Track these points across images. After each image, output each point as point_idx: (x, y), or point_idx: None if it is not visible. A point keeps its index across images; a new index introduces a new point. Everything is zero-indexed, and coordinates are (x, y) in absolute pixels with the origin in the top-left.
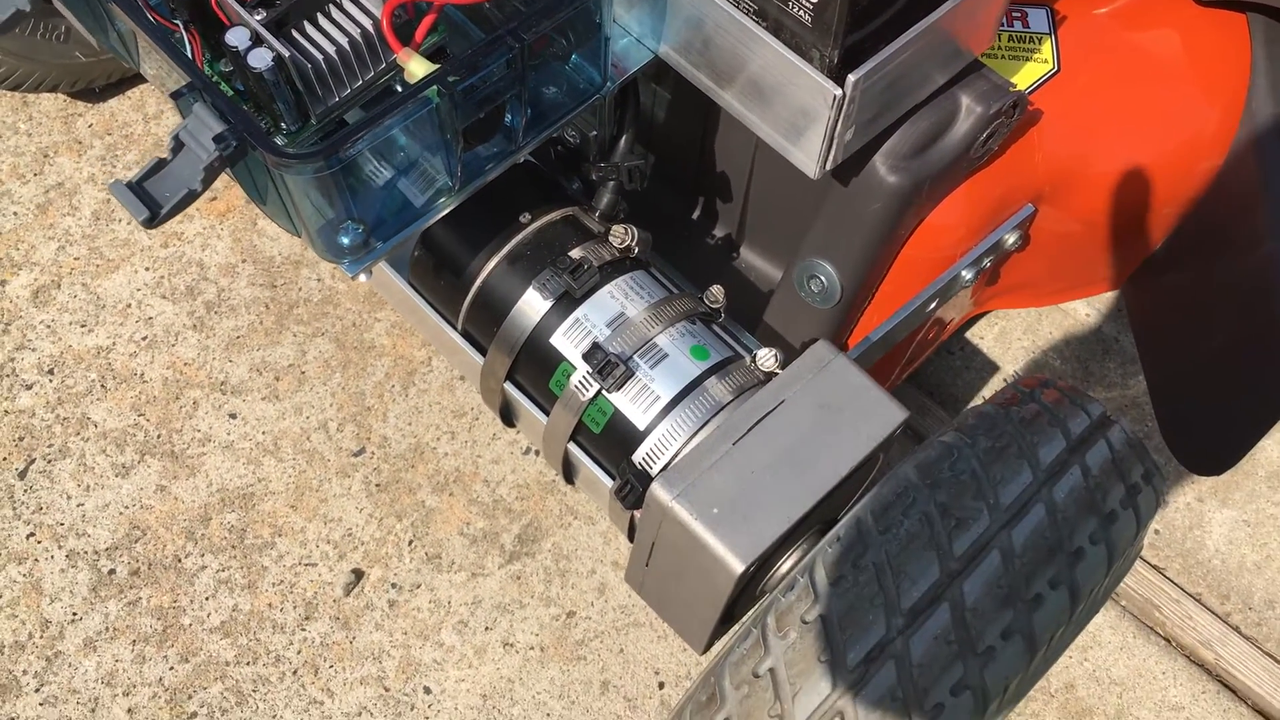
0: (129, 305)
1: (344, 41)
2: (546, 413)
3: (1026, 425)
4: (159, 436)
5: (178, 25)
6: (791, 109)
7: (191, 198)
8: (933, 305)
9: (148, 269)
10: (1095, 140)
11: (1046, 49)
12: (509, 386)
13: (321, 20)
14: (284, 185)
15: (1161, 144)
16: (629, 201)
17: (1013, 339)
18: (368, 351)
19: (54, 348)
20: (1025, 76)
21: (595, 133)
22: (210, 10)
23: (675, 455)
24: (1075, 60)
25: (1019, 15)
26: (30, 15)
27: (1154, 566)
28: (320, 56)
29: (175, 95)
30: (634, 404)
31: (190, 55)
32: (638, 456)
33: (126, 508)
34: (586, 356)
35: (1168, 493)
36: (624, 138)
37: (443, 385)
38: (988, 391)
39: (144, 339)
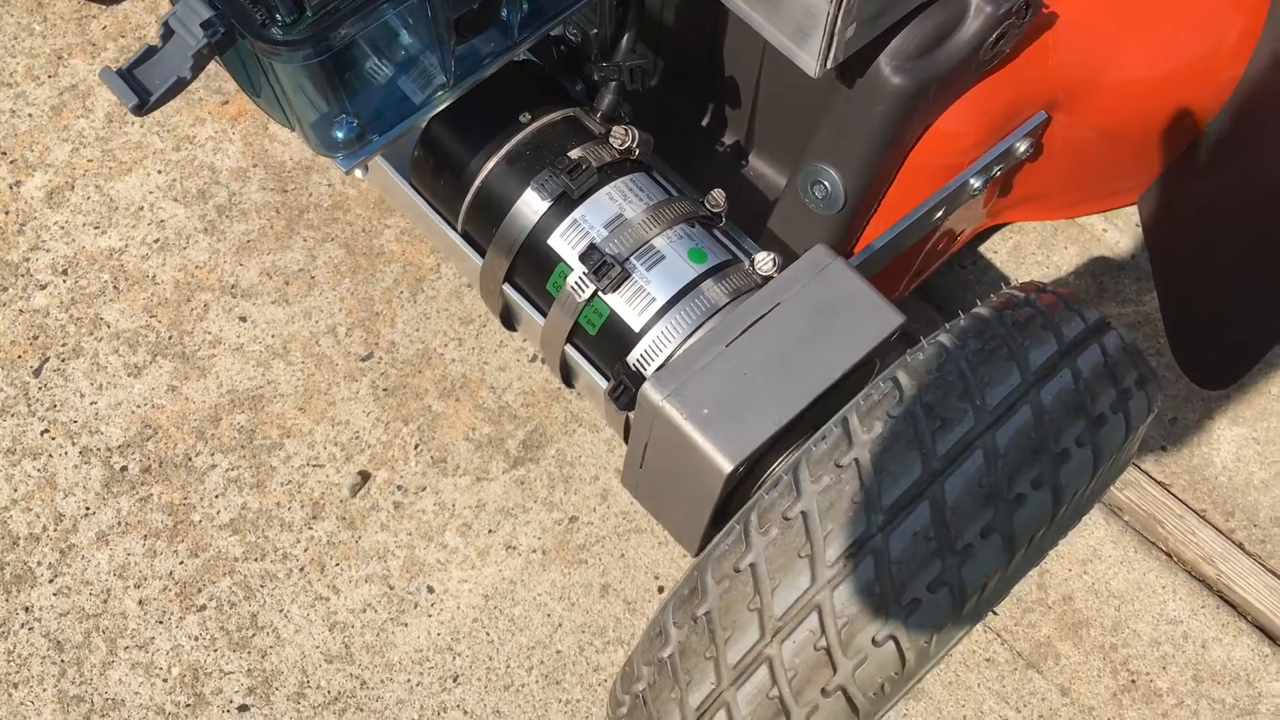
0: (141, 208)
1: None
2: (544, 315)
3: (1019, 328)
4: (170, 338)
5: None
6: (792, 5)
7: (181, 85)
8: (939, 214)
9: (160, 171)
10: (1112, 46)
11: None
12: (508, 288)
13: None
14: (275, 75)
15: (1182, 52)
16: (638, 107)
17: (1027, 254)
18: (377, 257)
19: (67, 249)
20: None
21: (596, 30)
22: None
23: (670, 357)
24: None
25: None
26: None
27: (1159, 482)
28: None
29: None
30: (629, 305)
31: None
32: (632, 358)
33: (138, 407)
34: (583, 257)
35: (1178, 409)
36: (626, 36)
37: (451, 292)
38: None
39: (156, 241)
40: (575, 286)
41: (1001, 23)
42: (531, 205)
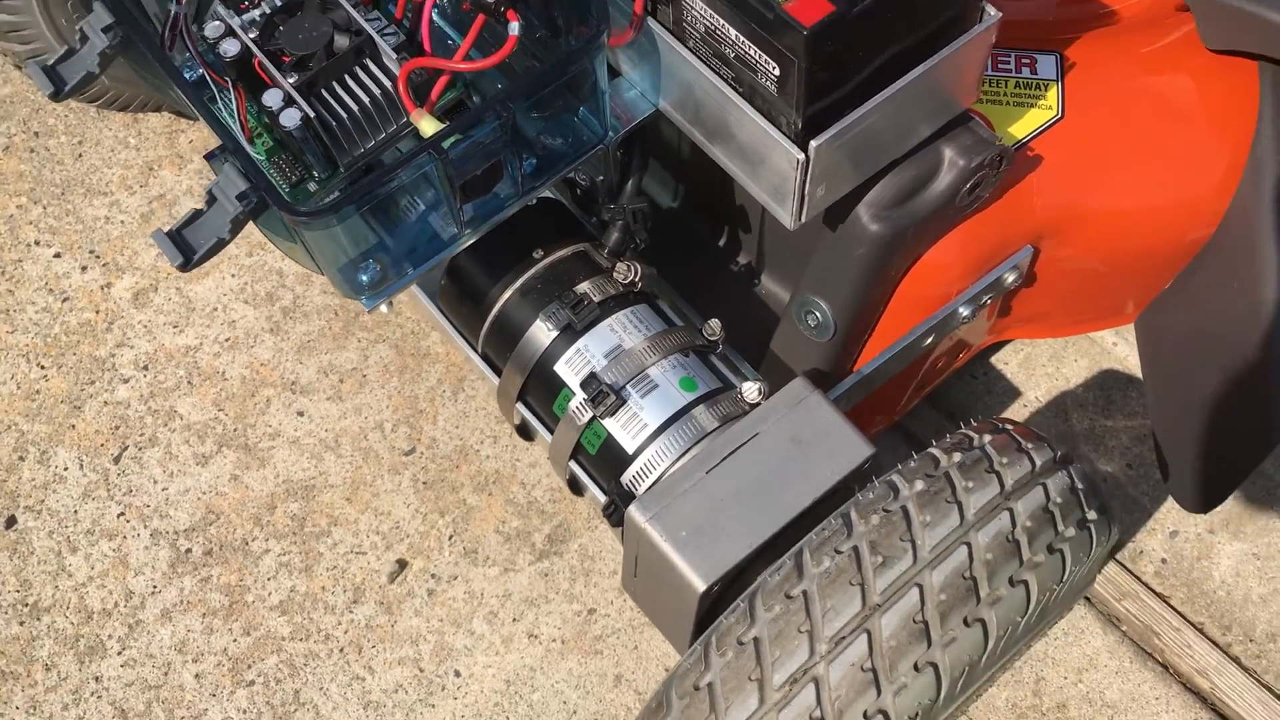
0: (215, 309)
1: (366, 100)
2: (553, 432)
3: (964, 471)
4: (235, 430)
5: (226, 81)
6: (767, 167)
7: (221, 245)
8: (929, 340)
9: (234, 275)
10: (1098, 183)
11: (1052, 96)
12: (520, 406)
13: (348, 80)
14: (302, 235)
15: (1168, 184)
16: (660, 225)
17: (1037, 365)
18: (423, 358)
19: (149, 346)
20: (1028, 123)
21: (601, 178)
22: (254, 70)
23: (660, 477)
24: (1081, 106)
25: (1028, 62)
26: (99, 75)
27: (1158, 594)
28: (344, 114)
29: (209, 156)
30: (625, 430)
31: (235, 107)
32: (625, 477)
33: (204, 494)
34: (584, 384)
35: (1179, 522)
36: (630, 181)
37: (489, 392)
38: (1008, 416)
39: (227, 340)
40: (577, 410)
41: (974, 175)
42: (540, 335)
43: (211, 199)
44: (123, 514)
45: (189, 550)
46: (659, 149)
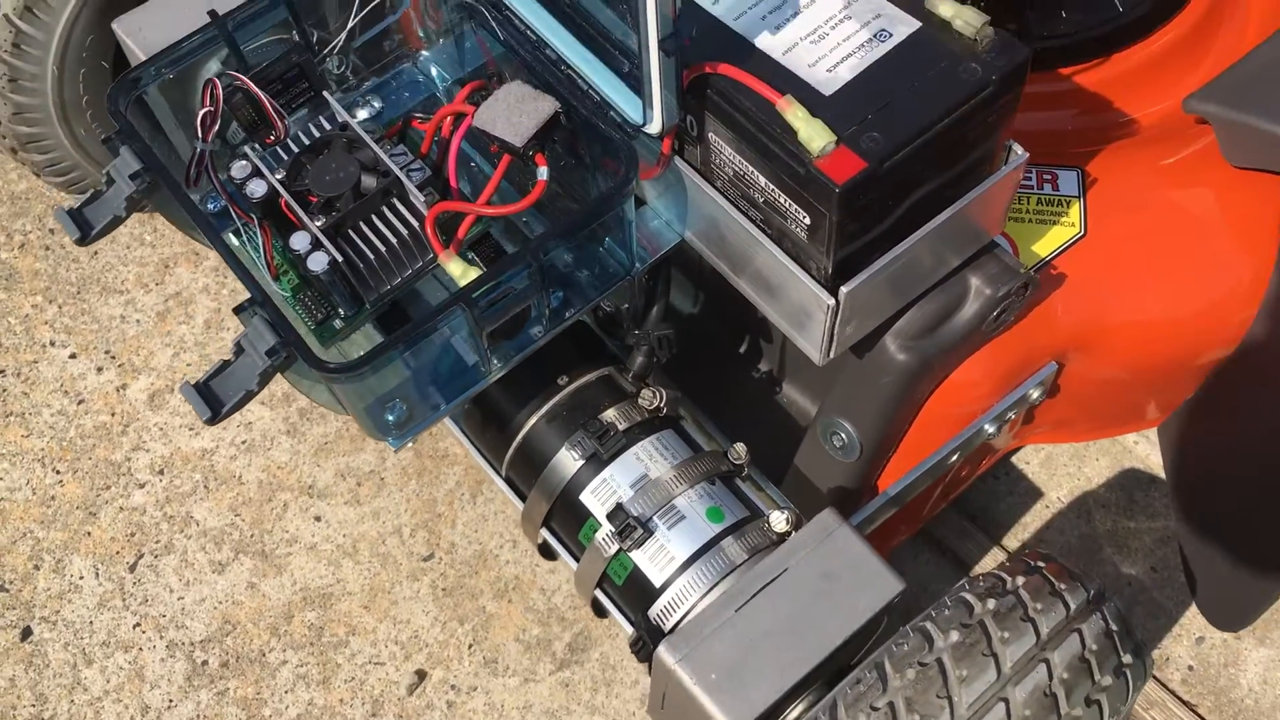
0: None
1: (393, 240)
2: (577, 558)
3: (999, 619)
4: (252, 536)
5: (251, 217)
6: (795, 306)
7: (249, 397)
8: (955, 458)
9: None
10: (1121, 296)
11: (1075, 212)
12: (545, 532)
13: (375, 220)
14: (331, 386)
15: (1192, 297)
16: (682, 330)
17: (1058, 465)
18: (441, 460)
19: (165, 449)
20: (1050, 241)
21: (626, 305)
22: (281, 210)
23: (689, 611)
24: (1103, 220)
25: (1049, 178)
26: (125, 219)
27: (1184, 702)
28: (370, 254)
29: (238, 310)
30: (652, 562)
31: (261, 244)
32: (653, 611)
33: (220, 603)
34: (610, 516)
35: (1205, 628)
36: (655, 308)
37: (507, 496)
38: (1030, 518)
39: (243, 443)
40: (603, 541)
41: (1000, 303)
42: (566, 463)
43: (239, 350)
44: (138, 624)
45: (205, 662)
46: (680, 257)
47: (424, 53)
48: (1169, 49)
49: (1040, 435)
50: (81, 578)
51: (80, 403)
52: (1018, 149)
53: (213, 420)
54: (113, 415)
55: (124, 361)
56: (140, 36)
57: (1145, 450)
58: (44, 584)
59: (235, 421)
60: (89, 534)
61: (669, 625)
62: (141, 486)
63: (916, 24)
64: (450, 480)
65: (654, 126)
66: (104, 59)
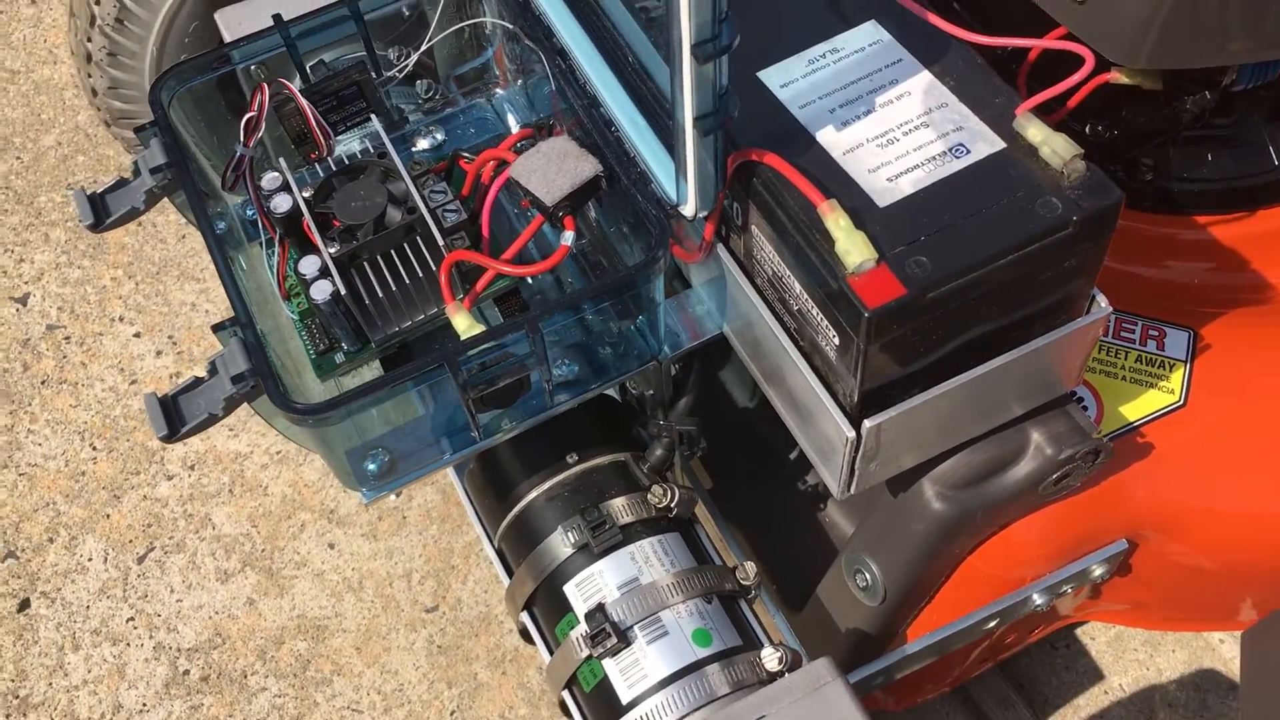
0: None
1: (407, 281)
2: (551, 651)
3: None
4: (263, 550)
5: (275, 232)
6: (818, 430)
7: (212, 421)
8: (994, 624)
9: None
10: (1216, 481)
11: (1177, 379)
12: (525, 616)
13: (394, 256)
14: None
15: None
16: (731, 422)
17: (1128, 649)
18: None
19: (200, 445)
20: (1143, 406)
21: (651, 392)
22: (304, 230)
23: None
24: (1209, 394)
25: (1155, 335)
26: (144, 212)
27: None
28: (381, 292)
29: (217, 328)
30: (623, 676)
31: (277, 263)
32: None
33: (216, 613)
34: (589, 616)
35: None
36: (683, 400)
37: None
38: (1084, 701)
39: (278, 453)
40: (576, 642)
41: (1062, 466)
42: (558, 547)
43: (213, 370)
44: (132, 619)
45: (187, 672)
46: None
47: (499, 91)
48: None
49: (1108, 614)
50: (90, 559)
51: (133, 382)
52: (1102, 301)
53: (169, 439)
54: None
55: (184, 349)
56: (240, 30)
57: (1230, 651)
58: (53, 558)
59: (274, 430)
60: (108, 516)
61: None
62: (170, 479)
63: (1000, 144)
64: (470, 533)
65: (688, 208)
66: (206, 48)
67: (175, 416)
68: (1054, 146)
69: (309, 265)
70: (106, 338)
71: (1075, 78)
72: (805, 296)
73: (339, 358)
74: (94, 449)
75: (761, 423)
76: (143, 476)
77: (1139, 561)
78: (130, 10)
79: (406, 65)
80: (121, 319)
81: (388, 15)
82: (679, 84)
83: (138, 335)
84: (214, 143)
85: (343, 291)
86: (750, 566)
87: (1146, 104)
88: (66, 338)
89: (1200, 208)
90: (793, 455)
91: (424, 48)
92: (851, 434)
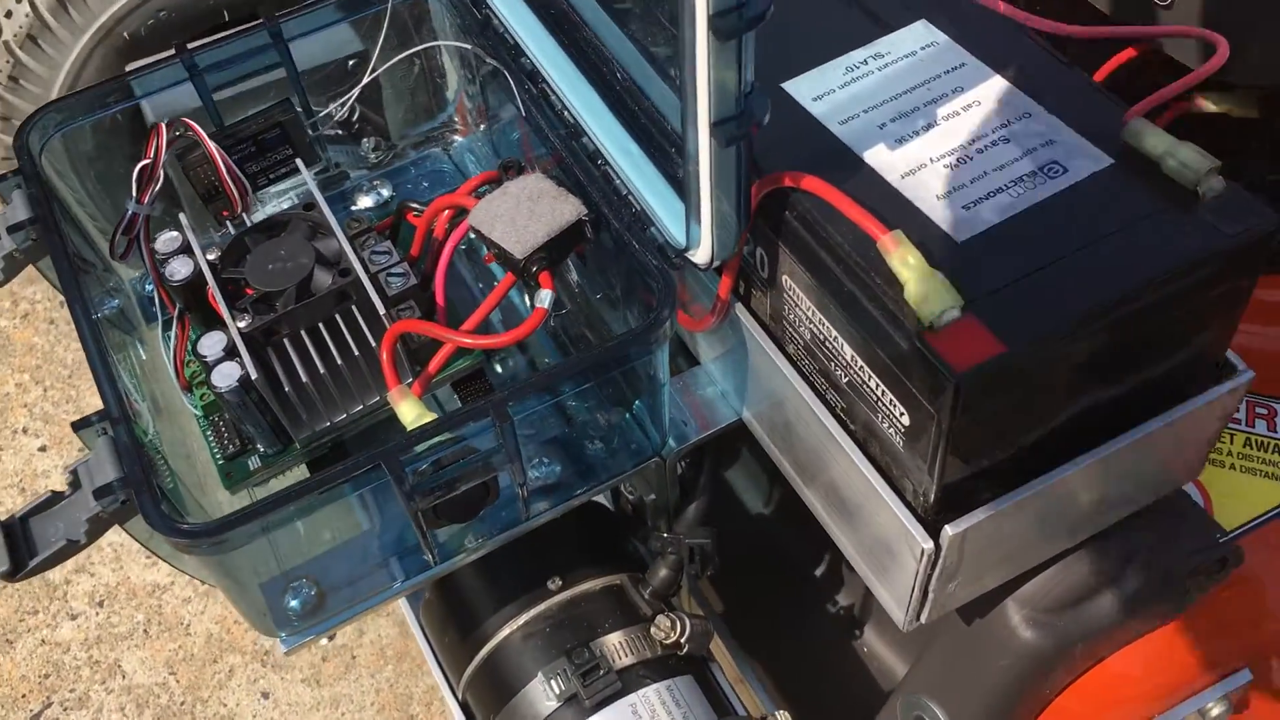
0: None
1: (340, 363)
2: None
3: None
4: (182, 704)
5: (173, 306)
6: (876, 539)
7: (72, 549)
8: None
9: None
10: None
11: None
12: None
13: (323, 331)
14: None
15: None
16: (744, 533)
17: None
18: None
19: (113, 576)
20: (1259, 500)
21: (653, 496)
22: (207, 301)
23: None
24: None
25: (1265, 412)
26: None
27: None
28: (305, 379)
29: (78, 425)
30: None
31: (175, 344)
32: None
33: None
34: None
35: None
36: (693, 506)
37: None
38: None
39: (202, 585)
40: None
41: (1184, 579)
42: (538, 700)
43: (75, 482)
44: None
45: None
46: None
47: (458, 139)
48: None
49: None
50: None
51: None
52: (1239, 363)
53: (11, 576)
54: None
55: None
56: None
57: None
58: None
59: None
60: None
61: None
62: (73, 618)
63: (1106, 160)
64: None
65: (701, 254)
66: None
67: (23, 544)
68: (1182, 159)
69: (211, 344)
70: (7, 453)
71: (1206, 68)
72: (860, 363)
73: (253, 462)
74: None
75: (776, 527)
76: (41, 617)
77: (1259, 698)
78: (27, 68)
79: (349, 99)
80: (25, 430)
81: (322, 63)
82: (690, 79)
83: (43, 449)
84: (108, 206)
85: (254, 375)
86: (784, 716)
87: (1237, 135)
88: None
89: None
90: (819, 570)
91: (365, 81)
92: (929, 545)
